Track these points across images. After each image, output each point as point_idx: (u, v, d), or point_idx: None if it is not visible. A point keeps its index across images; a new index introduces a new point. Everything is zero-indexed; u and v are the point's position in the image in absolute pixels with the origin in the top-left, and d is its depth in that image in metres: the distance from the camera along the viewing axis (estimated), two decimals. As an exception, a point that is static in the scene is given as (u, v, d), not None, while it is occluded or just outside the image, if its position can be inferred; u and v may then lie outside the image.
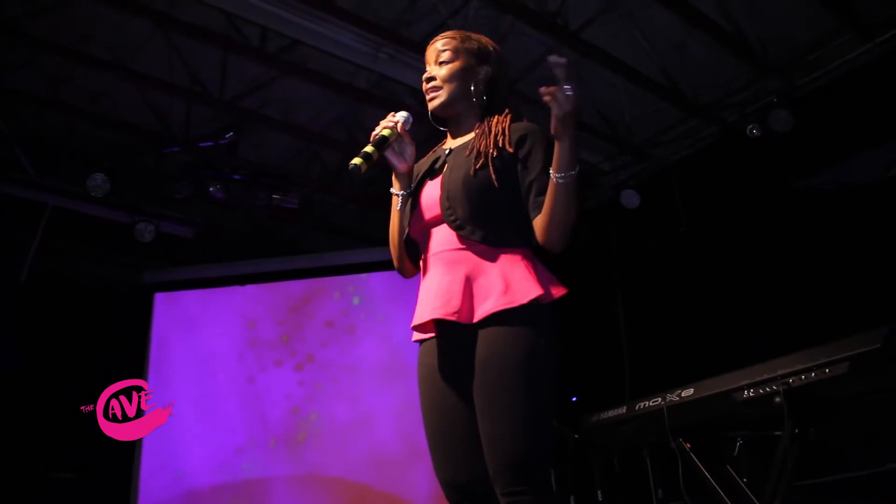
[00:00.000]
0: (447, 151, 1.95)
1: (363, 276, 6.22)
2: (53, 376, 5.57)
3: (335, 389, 5.95)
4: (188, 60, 4.77)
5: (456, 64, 1.93)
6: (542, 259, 1.83)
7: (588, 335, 5.44)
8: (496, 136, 1.85)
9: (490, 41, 2.02)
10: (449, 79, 1.92)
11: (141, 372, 5.97)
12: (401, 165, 1.90)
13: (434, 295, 1.80)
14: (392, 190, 1.94)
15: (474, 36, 2.00)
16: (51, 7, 4.26)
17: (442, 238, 1.84)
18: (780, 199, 4.96)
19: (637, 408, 3.54)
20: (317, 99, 5.22)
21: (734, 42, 4.68)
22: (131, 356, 5.96)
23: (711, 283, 5.15)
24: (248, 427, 5.91)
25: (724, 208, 5.26)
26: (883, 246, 4.33)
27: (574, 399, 5.34)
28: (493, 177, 1.79)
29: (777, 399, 2.88)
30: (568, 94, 1.61)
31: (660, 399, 3.42)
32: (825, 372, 2.83)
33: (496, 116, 1.91)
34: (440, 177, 1.89)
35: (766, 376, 3.00)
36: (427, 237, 1.88)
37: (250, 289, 6.33)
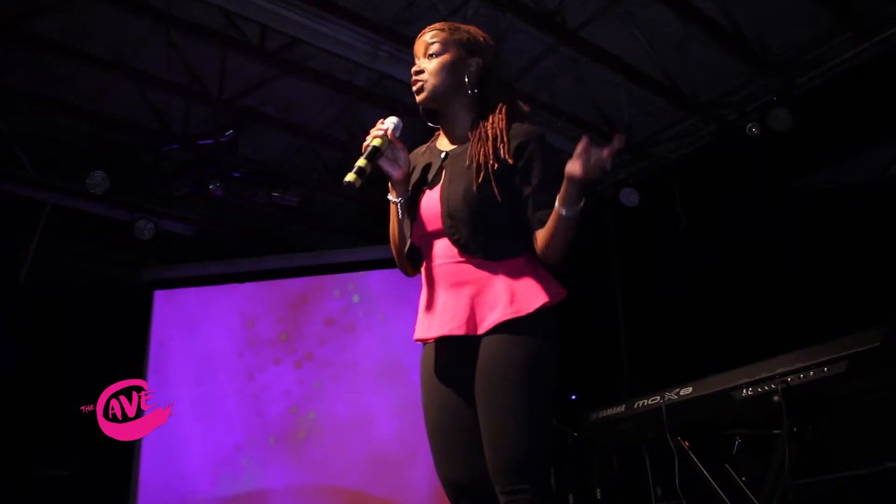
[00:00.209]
0: (443, 156, 1.90)
1: (363, 273, 6.22)
2: (53, 374, 5.57)
3: (334, 388, 5.96)
4: (188, 58, 4.77)
5: (445, 56, 1.88)
6: (541, 258, 1.83)
7: (587, 333, 5.44)
8: (495, 143, 1.80)
9: (480, 31, 1.96)
10: (438, 71, 1.87)
11: (140, 370, 5.97)
12: (396, 173, 1.85)
13: (439, 310, 1.80)
14: (390, 198, 1.90)
15: (464, 27, 1.95)
16: (50, 5, 4.25)
17: (444, 249, 1.82)
18: (780, 198, 4.96)
19: (636, 406, 3.55)
20: (316, 97, 5.21)
21: (733, 41, 4.68)
22: (131, 354, 5.96)
23: (710, 281, 5.15)
24: (247, 425, 5.91)
25: (724, 207, 5.26)
26: (882, 245, 4.34)
27: (573, 397, 5.35)
28: (496, 191, 1.76)
29: (775, 398, 2.89)
30: (602, 168, 1.60)
31: (658, 397, 3.42)
32: (824, 371, 2.83)
33: (491, 117, 1.86)
34: (439, 187, 1.85)
35: (764, 375, 3.01)
36: (428, 246, 1.86)
37: (250, 286, 6.33)
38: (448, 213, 1.79)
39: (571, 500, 4.49)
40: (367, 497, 5.62)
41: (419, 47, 1.92)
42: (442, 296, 1.81)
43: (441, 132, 1.98)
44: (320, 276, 6.31)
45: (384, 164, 1.82)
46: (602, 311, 5.83)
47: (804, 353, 2.94)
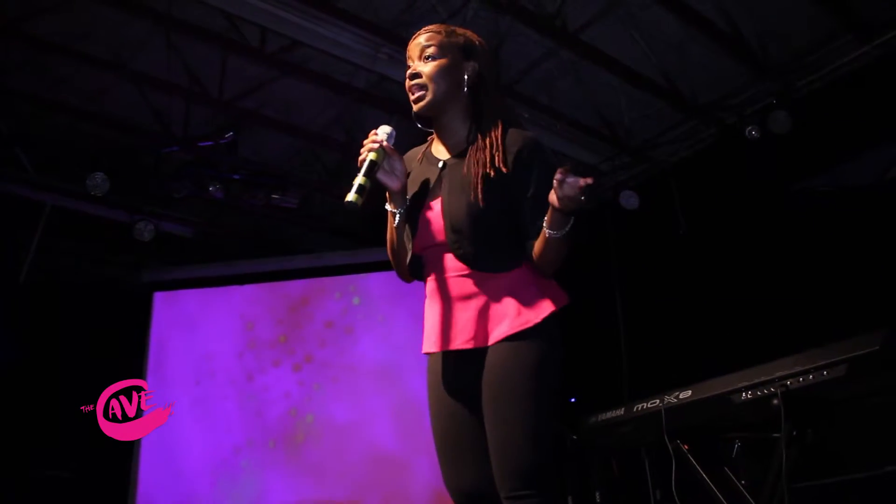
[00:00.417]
0: (441, 165, 1.89)
1: (363, 276, 6.21)
2: (52, 375, 5.57)
3: (334, 390, 5.95)
4: (188, 60, 4.77)
5: (442, 61, 1.85)
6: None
7: (586, 336, 5.43)
8: (492, 152, 1.79)
9: (475, 35, 1.94)
10: (435, 76, 1.84)
11: (140, 371, 5.97)
12: (394, 184, 1.81)
13: (448, 323, 1.80)
14: (388, 208, 1.86)
15: (459, 30, 1.93)
16: (51, 6, 4.26)
17: (448, 262, 1.82)
18: (779, 201, 4.96)
19: (635, 409, 3.55)
20: (316, 99, 5.22)
21: (733, 43, 4.68)
22: (130, 355, 5.95)
23: (710, 284, 5.15)
24: (246, 427, 5.90)
25: (723, 209, 5.26)
26: (881, 248, 4.33)
27: (573, 400, 5.35)
28: (497, 203, 1.76)
29: (775, 401, 2.89)
30: (579, 200, 1.56)
31: (658, 401, 3.42)
32: (823, 374, 2.83)
33: (490, 124, 1.84)
34: (439, 199, 1.84)
35: (764, 378, 3.01)
36: (432, 258, 1.86)
37: (249, 288, 6.32)
38: (451, 228, 1.79)
39: (570, 503, 4.48)
40: (367, 500, 5.61)
41: (413, 49, 1.90)
42: (449, 309, 1.81)
43: (435, 138, 1.96)
44: (320, 279, 6.30)
45: (382, 176, 1.79)
46: (601, 313, 5.83)
47: (804, 357, 2.93)
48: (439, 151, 1.94)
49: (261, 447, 5.84)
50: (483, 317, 1.77)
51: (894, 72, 4.52)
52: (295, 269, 6.39)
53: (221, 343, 6.15)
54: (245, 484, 5.74)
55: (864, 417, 3.38)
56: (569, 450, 4.26)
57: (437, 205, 1.84)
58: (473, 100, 1.88)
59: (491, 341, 1.75)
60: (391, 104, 4.99)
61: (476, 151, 1.82)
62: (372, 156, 1.75)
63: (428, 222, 1.83)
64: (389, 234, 1.90)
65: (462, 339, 1.78)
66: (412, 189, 1.88)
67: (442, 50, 1.86)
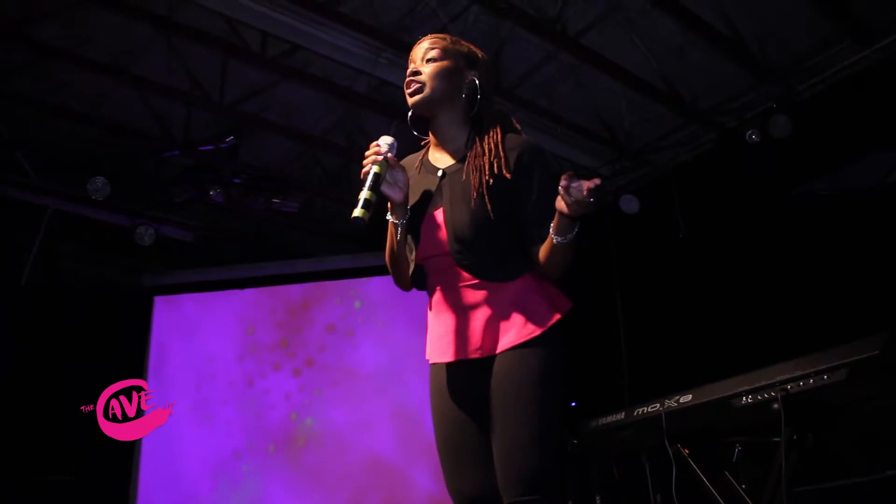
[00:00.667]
0: (441, 174, 1.88)
1: (364, 280, 6.22)
2: (53, 380, 5.57)
3: (334, 394, 5.95)
4: (189, 64, 4.77)
5: (444, 63, 1.86)
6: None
7: (587, 340, 5.43)
8: (492, 159, 1.79)
9: (479, 49, 1.96)
10: (436, 76, 1.85)
11: (140, 375, 5.96)
12: (397, 196, 1.79)
13: (453, 333, 1.81)
14: (389, 219, 1.84)
15: (463, 41, 1.95)
16: (52, 11, 4.27)
17: (452, 272, 1.83)
18: (779, 205, 4.96)
19: (635, 413, 3.55)
20: (317, 103, 5.22)
21: (733, 47, 4.68)
22: (131, 359, 5.96)
23: (710, 288, 5.14)
24: (246, 431, 5.90)
25: (723, 213, 5.25)
26: (882, 252, 4.33)
27: (573, 404, 5.34)
28: (500, 212, 1.76)
29: (775, 405, 2.89)
30: (588, 202, 1.56)
31: (658, 405, 3.42)
32: (823, 378, 2.83)
33: (489, 131, 1.84)
34: (441, 208, 1.84)
35: (764, 382, 3.00)
36: (435, 268, 1.86)
37: (250, 293, 6.32)
38: (455, 238, 1.79)
39: (571, 507, 4.47)
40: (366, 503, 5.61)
41: (416, 53, 1.91)
42: (454, 319, 1.82)
43: (432, 145, 1.96)
44: (321, 283, 6.31)
45: (385, 188, 1.77)
46: (602, 317, 5.83)
47: (804, 361, 2.93)
48: (437, 159, 1.94)
49: (261, 451, 5.84)
50: (490, 326, 1.78)
51: (894, 75, 4.52)
52: (295, 273, 6.40)
53: (222, 347, 6.15)
54: (245, 488, 5.73)
55: (864, 421, 3.38)
56: (569, 454, 4.26)
57: (439, 215, 1.84)
58: (472, 109, 1.88)
59: (499, 350, 1.76)
60: (392, 109, 5.00)
61: (475, 158, 1.82)
62: (376, 168, 1.73)
63: (430, 232, 1.84)
64: (389, 244, 1.89)
65: (469, 350, 1.78)
66: (412, 199, 1.87)
67: (445, 53, 1.88)
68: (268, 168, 5.72)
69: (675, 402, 3.35)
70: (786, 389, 2.90)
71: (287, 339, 6.14)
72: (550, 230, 1.68)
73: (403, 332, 5.92)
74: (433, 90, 1.85)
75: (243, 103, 5.09)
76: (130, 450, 5.75)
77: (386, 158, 1.76)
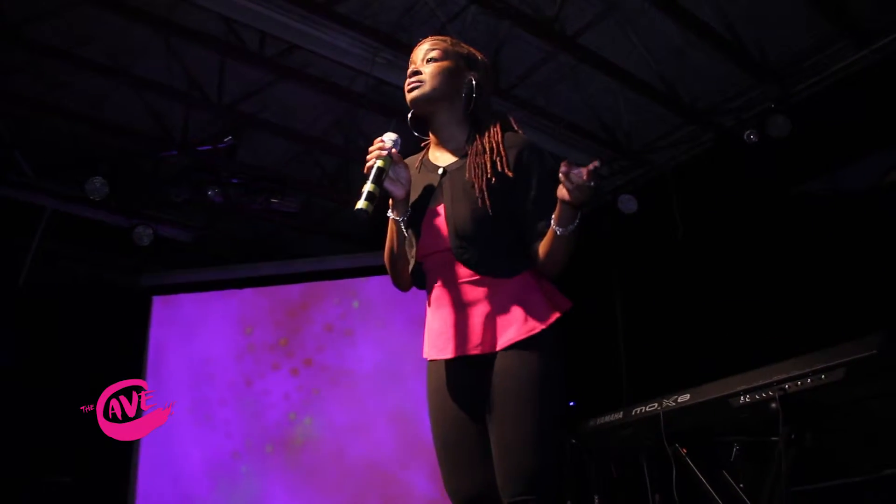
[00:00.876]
0: (441, 172, 1.90)
1: (362, 280, 6.22)
2: (51, 380, 5.56)
3: (333, 394, 5.95)
4: (187, 65, 4.77)
5: (444, 63, 1.88)
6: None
7: (585, 340, 5.43)
8: (492, 156, 1.81)
9: (479, 52, 1.99)
10: (436, 75, 1.87)
11: (139, 375, 5.96)
12: (399, 192, 1.81)
13: (453, 330, 1.81)
14: (390, 216, 1.86)
15: (463, 43, 1.98)
16: (51, 11, 4.27)
17: (453, 268, 1.82)
18: (778, 205, 4.97)
19: (634, 413, 3.55)
20: (315, 103, 5.22)
21: (732, 48, 4.68)
22: (129, 359, 5.96)
23: (708, 288, 5.15)
24: (245, 431, 5.90)
25: (722, 214, 5.26)
26: (880, 252, 4.34)
27: (571, 404, 5.34)
28: (500, 208, 1.77)
29: (773, 405, 2.90)
30: (589, 187, 1.59)
31: (656, 404, 3.43)
32: (821, 378, 2.84)
33: (489, 129, 1.86)
34: (442, 205, 1.85)
35: (762, 382, 3.01)
36: (435, 265, 1.86)
37: (248, 293, 6.33)
38: (456, 234, 1.80)
39: (569, 507, 4.47)
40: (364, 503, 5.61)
41: (417, 53, 1.93)
42: (454, 315, 1.81)
43: (432, 144, 1.98)
44: (319, 283, 6.31)
45: (387, 184, 1.79)
46: (600, 317, 5.83)
47: (802, 361, 2.94)
48: (437, 158, 1.95)
49: (259, 451, 5.84)
50: (489, 323, 1.78)
51: (893, 76, 4.52)
52: (294, 273, 6.40)
53: (220, 347, 6.15)
54: (243, 488, 5.74)
55: (862, 421, 3.38)
56: (567, 453, 4.26)
57: (440, 211, 1.84)
58: (471, 110, 1.91)
59: (498, 347, 1.76)
60: (390, 109, 5.00)
61: (476, 156, 1.83)
62: (380, 163, 1.74)
63: (431, 229, 1.84)
64: (389, 242, 1.90)
65: (469, 347, 1.78)
66: (413, 197, 1.88)
67: (445, 54, 1.90)
68: (266, 168, 5.72)
69: (673, 401, 3.36)
70: (784, 389, 2.91)
71: (285, 338, 6.14)
72: (552, 222, 1.69)
73: (402, 332, 5.92)
74: (433, 88, 1.86)
75: (241, 103, 5.09)
76: (129, 450, 5.75)
77: (390, 154, 1.77)
